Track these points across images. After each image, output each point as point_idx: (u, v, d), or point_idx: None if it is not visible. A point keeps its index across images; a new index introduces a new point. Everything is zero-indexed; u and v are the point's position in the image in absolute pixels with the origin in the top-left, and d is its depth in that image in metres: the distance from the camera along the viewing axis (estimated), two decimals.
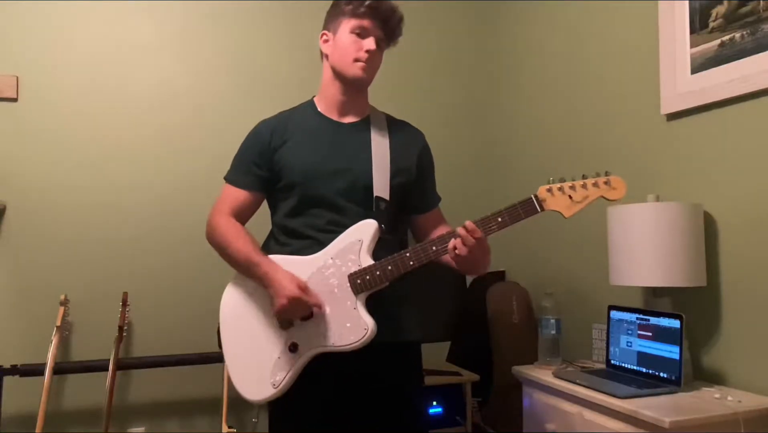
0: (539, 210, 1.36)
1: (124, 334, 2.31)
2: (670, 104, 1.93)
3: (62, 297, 2.26)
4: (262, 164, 1.51)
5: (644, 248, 1.75)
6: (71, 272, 2.35)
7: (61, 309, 2.24)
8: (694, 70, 1.85)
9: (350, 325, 1.36)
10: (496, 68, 3.00)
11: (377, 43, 1.48)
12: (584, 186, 1.36)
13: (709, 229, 1.80)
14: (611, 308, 1.94)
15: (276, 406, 1.47)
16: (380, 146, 1.51)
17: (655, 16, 1.98)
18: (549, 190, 1.37)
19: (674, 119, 1.94)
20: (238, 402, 2.50)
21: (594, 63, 2.32)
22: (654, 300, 1.86)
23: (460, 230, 1.34)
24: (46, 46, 2.38)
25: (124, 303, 2.33)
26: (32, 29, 2.36)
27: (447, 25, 3.01)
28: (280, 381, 1.39)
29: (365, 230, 1.41)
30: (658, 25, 1.97)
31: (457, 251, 1.34)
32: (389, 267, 1.38)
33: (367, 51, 1.46)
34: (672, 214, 1.74)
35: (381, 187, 1.46)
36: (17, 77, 2.33)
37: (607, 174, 1.37)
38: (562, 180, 1.37)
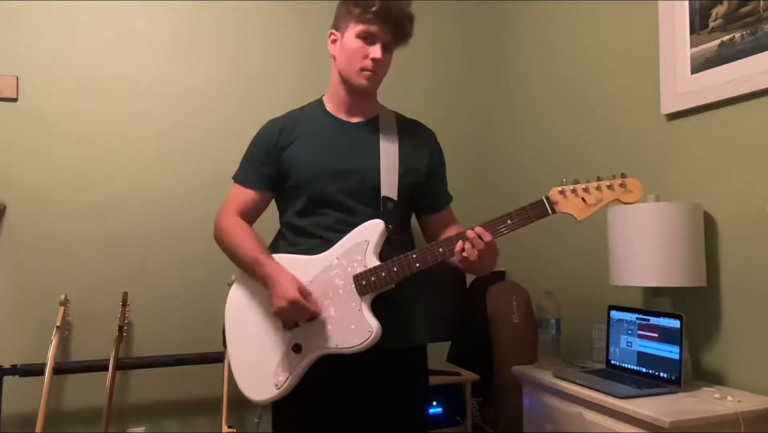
0: (550, 212, 1.33)
1: (124, 334, 2.31)
2: (670, 104, 1.93)
3: (62, 297, 2.26)
4: (270, 163, 1.50)
5: (644, 248, 1.75)
6: (71, 272, 2.35)
7: (61, 309, 2.24)
8: (694, 70, 1.85)
9: (354, 327, 1.35)
10: (495, 69, 3.00)
11: (385, 47, 1.45)
12: (598, 188, 1.32)
13: (709, 229, 1.80)
14: (611, 308, 1.94)
15: (280, 408, 1.46)
16: (389, 146, 1.48)
17: (655, 16, 1.98)
18: (561, 192, 1.33)
19: (674, 119, 1.94)
20: (238, 402, 2.49)
21: (594, 63, 2.32)
22: (654, 300, 1.86)
23: (470, 233, 1.33)
24: (46, 46, 2.38)
25: (124, 303, 2.32)
26: (32, 29, 2.36)
27: (445, 25, 3.01)
28: (282, 382, 1.38)
29: (372, 230, 1.40)
30: (658, 25, 1.97)
31: (465, 254, 1.32)
32: (395, 269, 1.36)
33: (373, 59, 1.43)
34: (672, 214, 1.74)
35: (389, 187, 1.44)
36: (17, 77, 2.33)
37: (623, 176, 1.32)
38: (576, 182, 1.33)
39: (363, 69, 1.44)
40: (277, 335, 1.41)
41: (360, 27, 1.43)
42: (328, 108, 1.55)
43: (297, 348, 1.39)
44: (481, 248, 1.32)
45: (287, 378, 1.38)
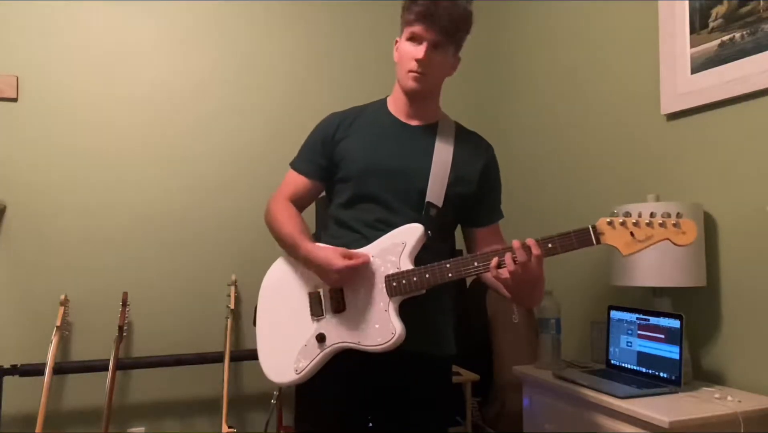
0: (595, 243, 1.28)
1: (124, 334, 2.31)
2: (670, 104, 1.93)
3: (62, 297, 2.26)
4: (325, 154, 1.52)
5: None
6: (71, 271, 2.35)
7: (61, 309, 2.24)
8: (694, 70, 1.85)
9: (379, 326, 1.35)
10: (495, 68, 3.00)
11: (435, 45, 1.43)
12: (650, 224, 1.26)
13: (709, 229, 1.80)
14: (611, 308, 1.94)
15: (302, 399, 1.50)
16: (443, 153, 1.48)
17: (655, 16, 1.99)
18: (610, 223, 1.28)
19: (674, 119, 1.94)
20: (238, 402, 2.50)
21: (594, 63, 2.32)
22: (654, 300, 1.86)
23: (515, 243, 1.28)
24: (46, 46, 2.38)
25: (124, 303, 2.33)
26: (32, 29, 2.36)
27: None
28: (302, 368, 1.40)
29: (410, 233, 1.39)
30: (658, 25, 1.97)
31: (502, 270, 1.28)
32: (427, 275, 1.35)
33: (417, 60, 1.42)
34: (672, 214, 1.74)
35: (435, 193, 1.44)
36: (17, 77, 2.33)
37: (678, 215, 1.25)
38: (627, 215, 1.27)
39: (410, 71, 1.45)
40: (304, 322, 1.43)
41: (408, 29, 1.45)
42: (390, 108, 1.56)
43: (321, 337, 1.40)
44: (523, 260, 1.26)
45: (307, 365, 1.40)
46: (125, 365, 2.31)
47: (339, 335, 1.39)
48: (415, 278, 1.35)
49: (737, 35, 1.73)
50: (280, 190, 1.57)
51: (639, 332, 1.81)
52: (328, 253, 1.37)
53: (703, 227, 1.78)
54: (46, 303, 2.28)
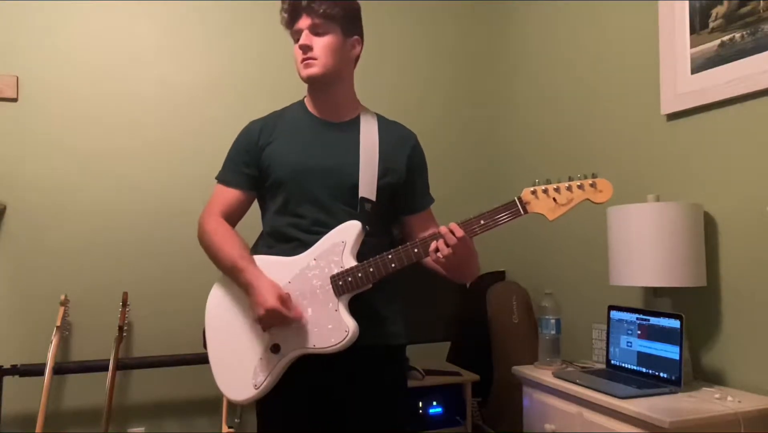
0: (522, 213, 1.34)
1: (124, 334, 2.31)
2: (670, 104, 1.93)
3: (62, 297, 2.26)
4: (251, 163, 1.51)
5: (644, 247, 1.75)
6: (71, 272, 2.35)
7: (61, 309, 2.24)
8: (694, 70, 1.85)
9: (332, 327, 1.36)
10: (495, 68, 3.00)
11: (313, 30, 1.45)
12: (569, 188, 1.33)
13: (709, 229, 1.80)
14: (611, 308, 1.94)
15: (263, 407, 1.48)
16: (369, 146, 1.49)
17: (655, 16, 1.99)
18: (533, 192, 1.34)
19: (674, 119, 1.95)
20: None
21: (594, 63, 2.32)
22: (654, 300, 1.86)
23: (442, 228, 1.33)
24: (46, 46, 2.38)
25: (124, 303, 2.33)
26: (32, 29, 2.36)
27: (444, 25, 3.00)
28: (261, 382, 1.39)
29: (349, 231, 1.40)
30: (658, 25, 1.98)
31: (439, 253, 1.32)
32: (371, 269, 1.37)
33: (300, 47, 1.45)
34: (672, 214, 1.74)
35: (367, 187, 1.45)
36: (17, 77, 2.33)
37: (594, 176, 1.32)
38: (548, 182, 1.34)
39: (301, 61, 1.47)
40: (256, 335, 1.42)
41: (292, 35, 1.50)
42: (308, 108, 1.56)
43: (275, 348, 1.40)
44: (453, 243, 1.31)
45: (266, 378, 1.39)
46: (125, 365, 2.31)
47: (293, 343, 1.39)
48: (360, 274, 1.37)
49: (737, 35, 1.73)
50: (210, 207, 1.54)
51: (639, 332, 1.81)
52: (266, 288, 1.36)
53: (703, 227, 1.78)
54: (46, 303, 2.28)
